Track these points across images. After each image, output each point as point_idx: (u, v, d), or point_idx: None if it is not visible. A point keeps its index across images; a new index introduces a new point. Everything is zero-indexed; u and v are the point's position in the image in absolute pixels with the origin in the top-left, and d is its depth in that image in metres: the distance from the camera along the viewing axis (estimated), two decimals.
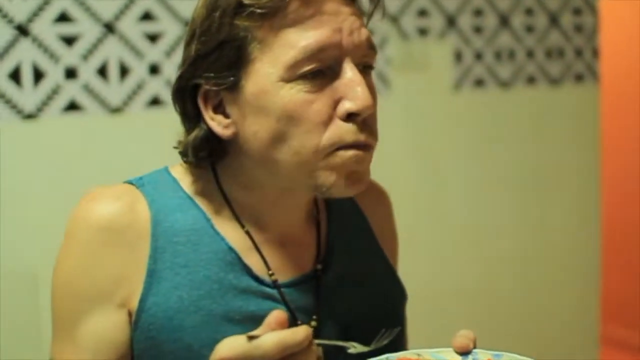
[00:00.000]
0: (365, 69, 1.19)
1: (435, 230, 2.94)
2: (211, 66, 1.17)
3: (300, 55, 1.13)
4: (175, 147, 1.25)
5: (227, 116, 1.19)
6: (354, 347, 1.10)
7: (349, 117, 1.14)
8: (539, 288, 3.23)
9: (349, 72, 1.15)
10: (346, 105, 1.14)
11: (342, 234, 1.34)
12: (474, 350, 1.10)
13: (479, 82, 3.01)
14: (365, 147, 1.16)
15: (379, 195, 1.47)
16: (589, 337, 3.38)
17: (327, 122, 1.14)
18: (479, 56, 3.00)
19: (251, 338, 0.99)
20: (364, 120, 1.16)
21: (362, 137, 1.15)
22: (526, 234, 3.18)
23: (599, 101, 3.32)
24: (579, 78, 3.25)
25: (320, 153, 1.14)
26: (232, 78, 1.16)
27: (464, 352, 1.09)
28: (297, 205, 1.27)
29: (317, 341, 1.04)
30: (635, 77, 4.55)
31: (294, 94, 1.13)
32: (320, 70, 1.14)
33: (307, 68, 1.13)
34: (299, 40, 1.13)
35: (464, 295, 3.05)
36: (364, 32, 1.18)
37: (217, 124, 1.19)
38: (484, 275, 3.09)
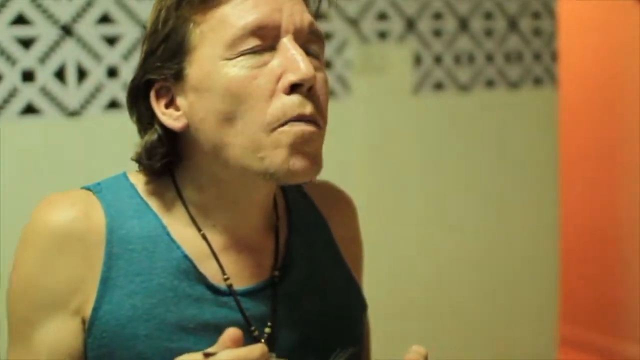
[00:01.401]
0: (310, 55, 1.18)
1: (394, 233, 2.95)
2: (158, 59, 1.18)
3: (240, 32, 1.14)
4: (132, 159, 1.24)
5: (177, 109, 1.19)
6: None
7: (292, 89, 1.14)
8: (499, 289, 3.25)
9: (289, 47, 1.15)
10: (288, 77, 1.14)
11: (302, 242, 1.32)
12: None
13: (439, 86, 3.02)
14: (313, 123, 1.16)
15: (343, 202, 1.45)
16: (548, 338, 3.41)
17: (271, 97, 1.14)
18: (438, 60, 3.02)
19: (207, 355, 0.99)
20: (309, 94, 1.15)
21: (307, 110, 1.15)
22: (485, 237, 3.20)
23: (557, 104, 3.35)
24: (537, 82, 3.28)
25: (265, 129, 1.13)
26: (176, 66, 1.17)
27: None
28: (255, 207, 1.26)
29: (271, 359, 1.04)
30: (593, 80, 4.60)
31: (237, 71, 1.14)
32: (261, 49, 1.15)
33: (247, 46, 1.14)
34: (238, 19, 1.14)
35: (423, 297, 3.06)
36: (306, 17, 1.19)
37: (168, 117, 1.19)
38: (443, 277, 3.10)
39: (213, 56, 1.15)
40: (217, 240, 1.24)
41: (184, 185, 1.24)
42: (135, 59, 2.38)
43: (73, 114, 2.33)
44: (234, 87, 1.14)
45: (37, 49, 2.27)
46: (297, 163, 1.15)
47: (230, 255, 1.24)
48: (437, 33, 3.00)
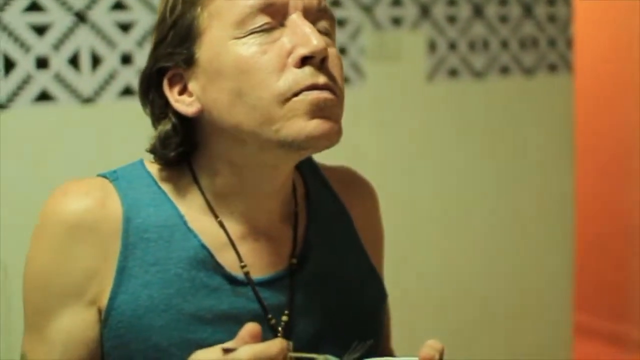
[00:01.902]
0: (320, 32, 1.17)
1: (408, 221, 2.95)
2: (168, 47, 1.18)
3: (247, 10, 1.14)
4: (147, 150, 1.23)
5: (190, 95, 1.18)
6: (326, 359, 1.09)
7: (304, 62, 1.13)
8: (513, 278, 3.23)
9: (299, 23, 1.15)
10: (299, 51, 1.13)
11: (321, 230, 1.31)
12: None
13: (453, 72, 3.01)
14: (328, 90, 1.15)
15: (364, 191, 1.44)
16: (562, 327, 3.40)
17: (281, 69, 1.13)
18: (452, 46, 3.00)
19: (226, 351, 0.99)
20: (321, 67, 1.14)
21: (320, 80, 1.14)
22: (500, 224, 3.19)
23: (572, 91, 3.33)
24: (552, 68, 3.26)
25: (277, 101, 1.12)
26: (186, 51, 1.17)
27: None
28: (273, 193, 1.25)
29: (290, 354, 1.03)
30: (608, 66, 4.58)
31: (246, 48, 1.13)
32: (271, 27, 1.14)
33: (256, 24, 1.14)
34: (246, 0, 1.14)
35: (436, 286, 3.05)
36: None
37: (181, 104, 1.18)
38: (456, 266, 3.09)
39: (222, 37, 1.15)
40: (234, 228, 1.23)
41: (200, 173, 1.23)
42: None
43: (87, 100, 2.33)
44: (243, 63, 1.13)
45: (51, 35, 2.27)
46: (316, 127, 1.13)
47: (248, 243, 1.23)
48: (452, 19, 2.99)
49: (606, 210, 4.63)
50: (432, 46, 2.96)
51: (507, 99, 3.16)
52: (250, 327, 1.02)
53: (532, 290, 3.29)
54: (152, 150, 1.23)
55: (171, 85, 1.20)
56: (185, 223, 1.21)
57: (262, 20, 1.14)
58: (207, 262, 1.20)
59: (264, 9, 1.14)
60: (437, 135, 3.00)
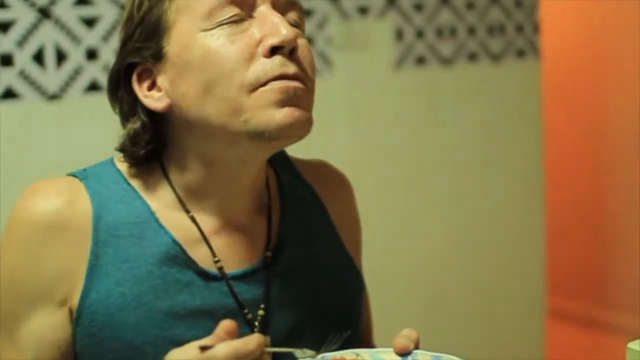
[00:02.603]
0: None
1: (378, 208, 2.95)
2: (136, 42, 1.17)
3: (216, 1, 1.13)
4: (115, 148, 1.22)
5: (159, 90, 1.17)
6: (303, 353, 1.08)
7: (273, 52, 1.13)
8: (484, 262, 3.25)
9: (268, 13, 1.14)
10: (268, 41, 1.12)
11: (296, 222, 1.30)
12: (414, 351, 1.08)
13: (421, 60, 3.01)
14: (298, 80, 1.14)
15: (339, 182, 1.43)
16: (535, 310, 3.42)
17: (250, 59, 1.12)
18: (420, 34, 3.00)
19: (203, 349, 0.99)
20: (291, 57, 1.14)
21: (290, 69, 1.13)
22: (471, 209, 3.20)
23: (540, 76, 3.34)
24: (520, 54, 3.27)
25: (245, 90, 1.11)
26: (154, 46, 1.16)
27: (404, 353, 1.08)
28: (245, 187, 1.24)
29: (267, 349, 1.03)
30: (576, 51, 4.59)
31: (215, 39, 1.13)
32: (240, 18, 1.14)
33: (225, 15, 1.13)
34: None
35: (409, 271, 3.06)
36: None
37: (150, 99, 1.18)
38: (427, 250, 3.10)
39: (191, 29, 1.14)
40: (207, 223, 1.22)
41: (171, 169, 1.22)
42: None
43: (53, 97, 2.31)
44: (212, 54, 1.12)
45: (15, 32, 2.25)
46: (286, 115, 1.12)
47: (221, 238, 1.22)
48: (418, 7, 2.99)
49: (577, 193, 4.66)
50: (399, 34, 2.95)
51: (475, 86, 3.16)
52: (226, 324, 1.01)
53: (505, 275, 3.30)
54: (122, 149, 1.21)
55: (140, 81, 1.19)
56: (156, 219, 1.20)
57: (231, 11, 1.13)
58: (179, 257, 1.19)
59: (233, 1, 1.13)
60: (406, 123, 3.00)
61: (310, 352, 1.09)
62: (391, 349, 1.09)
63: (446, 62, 3.07)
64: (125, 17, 1.20)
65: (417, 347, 1.09)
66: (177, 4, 1.15)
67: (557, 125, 4.29)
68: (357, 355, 1.08)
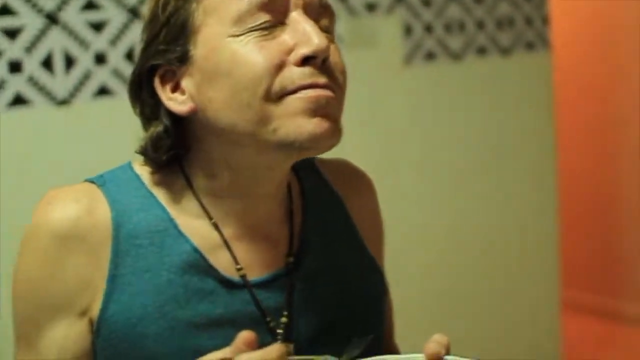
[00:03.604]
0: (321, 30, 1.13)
1: (391, 207, 2.93)
2: (161, 43, 1.14)
3: (245, 6, 1.09)
4: (136, 151, 1.19)
5: (183, 93, 1.14)
6: None
7: (305, 62, 1.09)
8: (498, 256, 3.24)
9: (300, 20, 1.10)
10: (300, 50, 1.08)
11: (318, 226, 1.28)
12: (446, 357, 1.05)
13: (430, 56, 3.00)
14: (328, 89, 1.10)
15: (360, 181, 1.41)
16: (549, 302, 3.41)
17: (279, 67, 1.09)
18: (428, 29, 2.99)
19: None
20: (323, 66, 1.10)
21: (321, 80, 1.09)
22: (482, 204, 3.19)
23: (551, 68, 3.32)
24: (530, 46, 3.25)
25: (273, 99, 1.08)
26: (180, 49, 1.12)
27: (436, 359, 1.05)
28: (269, 193, 1.21)
29: (289, 358, 1.01)
30: (585, 42, 4.57)
31: (244, 45, 1.09)
32: (271, 24, 1.10)
33: (255, 21, 1.09)
34: None
35: (422, 267, 3.05)
36: None
37: (174, 102, 1.14)
38: (441, 245, 3.10)
39: (219, 34, 1.11)
40: (228, 230, 1.19)
41: (193, 174, 1.19)
42: (123, 44, 2.36)
43: (62, 102, 2.31)
44: (240, 59, 1.09)
45: (23, 39, 2.24)
46: (317, 125, 1.09)
47: (243, 244, 1.20)
48: (427, 2, 2.98)
49: (589, 185, 4.64)
50: (407, 30, 2.94)
51: (485, 80, 3.15)
52: (245, 335, 0.98)
53: (518, 268, 3.29)
54: (143, 152, 1.18)
55: (163, 82, 1.15)
56: (176, 227, 1.17)
57: (262, 18, 1.10)
58: (200, 265, 1.16)
59: (264, 6, 1.10)
60: (417, 119, 3.00)
61: (332, 359, 1.06)
62: (422, 355, 1.05)
63: (456, 56, 3.06)
64: (149, 17, 1.16)
65: (448, 353, 1.06)
66: (204, 6, 1.12)
67: (568, 117, 4.27)
68: None
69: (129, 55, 2.36)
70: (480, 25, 3.11)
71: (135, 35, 2.33)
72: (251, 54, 1.09)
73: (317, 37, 1.09)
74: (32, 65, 2.26)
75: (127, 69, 2.30)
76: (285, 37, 1.10)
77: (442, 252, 3.10)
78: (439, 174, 3.07)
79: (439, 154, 3.06)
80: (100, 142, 2.28)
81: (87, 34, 2.33)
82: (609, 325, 4.45)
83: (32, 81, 2.26)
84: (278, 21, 1.11)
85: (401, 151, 2.97)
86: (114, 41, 2.36)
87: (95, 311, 1.14)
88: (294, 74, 1.09)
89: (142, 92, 1.18)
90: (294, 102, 1.09)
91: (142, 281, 1.15)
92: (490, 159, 3.19)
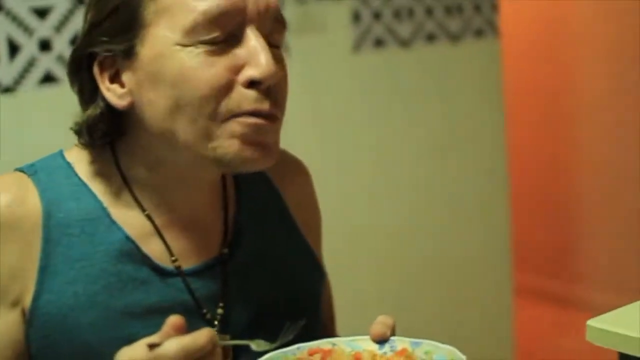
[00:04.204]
0: (272, 47, 1.13)
1: (338, 193, 2.95)
2: (105, 32, 1.12)
3: (200, 19, 1.08)
4: (71, 128, 1.19)
5: (123, 85, 1.13)
6: (257, 345, 1.07)
7: (251, 85, 1.09)
8: (450, 241, 3.26)
9: (253, 38, 1.10)
10: (248, 72, 1.09)
11: (253, 214, 1.28)
12: (392, 338, 1.07)
13: (379, 42, 3.01)
14: (269, 117, 1.11)
15: (295, 169, 1.41)
16: (502, 287, 3.43)
17: (227, 88, 1.09)
18: (377, 16, 3.00)
19: (152, 346, 0.97)
20: (268, 90, 1.10)
21: (264, 106, 1.10)
22: (434, 190, 3.20)
23: (500, 55, 3.34)
24: (479, 33, 3.27)
25: (216, 119, 1.09)
26: (126, 43, 1.11)
27: (381, 340, 1.07)
28: (203, 184, 1.22)
29: (220, 343, 1.01)
30: (534, 29, 4.61)
31: (192, 57, 1.08)
32: (221, 40, 1.09)
33: (206, 35, 1.08)
34: (199, 3, 1.08)
35: (374, 254, 3.07)
36: (272, 0, 1.14)
37: (112, 94, 1.13)
38: (393, 231, 3.10)
39: (168, 39, 1.09)
40: (161, 219, 1.20)
41: (126, 162, 1.19)
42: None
43: (7, 90, 2.29)
44: (187, 72, 1.08)
45: None
46: (253, 153, 1.11)
47: (176, 233, 1.20)
48: None
49: (542, 169, 4.68)
50: (356, 16, 2.95)
51: (434, 66, 3.16)
52: (173, 320, 0.99)
53: (471, 252, 3.31)
54: (78, 133, 1.18)
55: (102, 69, 1.14)
56: (108, 215, 1.17)
57: (215, 32, 1.09)
58: (134, 254, 1.17)
59: (218, 19, 1.08)
60: (366, 106, 3.00)
61: (263, 344, 1.07)
62: (368, 337, 1.07)
63: (404, 43, 3.07)
64: None
65: (393, 334, 1.08)
66: (157, 4, 1.10)
67: (518, 103, 4.31)
68: (334, 344, 1.07)
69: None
70: (429, 11, 3.12)
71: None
72: (199, 70, 1.08)
73: (267, 60, 1.09)
74: None
75: None
76: (236, 52, 1.10)
77: (394, 240, 3.11)
78: (389, 160, 3.08)
79: (388, 141, 3.07)
80: (46, 130, 2.26)
81: (32, 20, 2.31)
82: (561, 310, 4.50)
83: None
84: (231, 35, 1.10)
85: (349, 138, 2.97)
86: (58, 27, 2.34)
87: (27, 301, 1.13)
88: (241, 98, 1.09)
89: (80, 74, 1.17)
90: (236, 126, 1.09)
91: (73, 270, 1.14)
92: (441, 145, 3.20)
